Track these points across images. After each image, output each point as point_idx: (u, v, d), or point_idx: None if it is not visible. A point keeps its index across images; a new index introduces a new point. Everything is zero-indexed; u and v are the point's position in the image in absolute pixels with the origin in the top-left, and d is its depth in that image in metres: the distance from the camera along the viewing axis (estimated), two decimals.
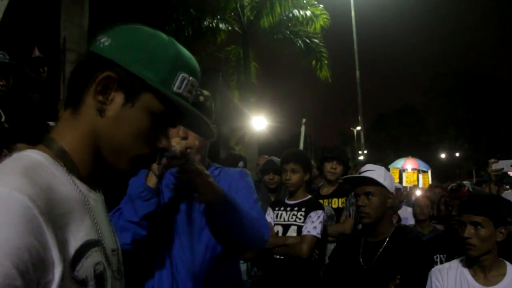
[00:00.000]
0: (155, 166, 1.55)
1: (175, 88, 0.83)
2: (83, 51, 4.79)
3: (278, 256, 2.76)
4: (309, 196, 2.96)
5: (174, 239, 1.67)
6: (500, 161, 3.25)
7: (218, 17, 12.14)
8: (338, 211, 3.33)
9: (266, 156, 4.52)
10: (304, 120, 7.97)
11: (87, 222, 0.78)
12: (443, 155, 36.73)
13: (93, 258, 0.76)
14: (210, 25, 12.01)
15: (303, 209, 2.83)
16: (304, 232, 2.73)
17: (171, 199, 1.69)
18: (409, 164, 12.43)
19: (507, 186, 5.74)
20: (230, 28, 12.53)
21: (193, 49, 12.77)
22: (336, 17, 14.15)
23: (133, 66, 0.80)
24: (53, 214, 0.69)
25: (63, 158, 0.79)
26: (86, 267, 0.74)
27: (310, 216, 2.77)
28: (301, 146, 7.20)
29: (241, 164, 4.75)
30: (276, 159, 3.57)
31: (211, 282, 1.65)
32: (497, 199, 2.24)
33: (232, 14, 12.55)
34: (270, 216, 2.90)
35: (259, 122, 15.65)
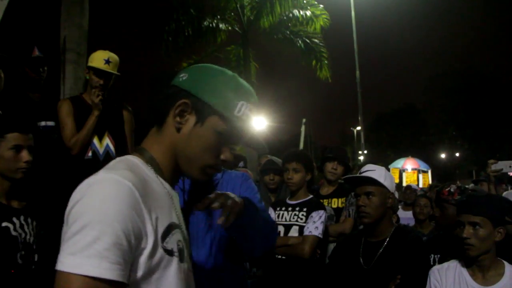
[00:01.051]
0: None
1: (235, 113, 1.07)
2: (83, 51, 4.80)
3: (279, 256, 2.77)
4: (311, 196, 2.96)
5: None
6: (499, 162, 3.25)
7: (218, 17, 12.14)
8: (338, 211, 3.34)
9: (268, 156, 4.52)
10: (304, 120, 7.99)
11: (171, 209, 1.03)
12: (443, 155, 36.73)
13: (176, 235, 1.00)
14: (210, 25, 12.02)
15: (305, 209, 2.83)
16: (306, 232, 2.73)
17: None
18: (409, 164, 12.44)
19: (507, 186, 5.75)
20: (230, 28, 12.53)
21: (193, 49, 12.78)
22: (336, 17, 14.15)
23: (203, 95, 1.05)
24: (148, 199, 0.93)
25: (152, 163, 1.05)
26: (172, 241, 0.98)
27: (311, 216, 2.77)
28: (301, 146, 7.21)
29: (241, 164, 4.74)
30: (276, 159, 3.57)
31: (216, 285, 1.66)
32: (496, 199, 2.24)
33: (232, 14, 12.55)
34: (271, 216, 2.90)
35: (259, 122, 15.65)
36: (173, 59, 12.81)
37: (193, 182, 1.78)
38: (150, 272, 0.92)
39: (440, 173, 25.00)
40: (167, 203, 1.01)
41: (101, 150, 2.97)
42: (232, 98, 1.07)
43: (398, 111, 40.81)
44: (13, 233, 1.95)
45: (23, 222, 2.01)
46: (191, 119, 1.06)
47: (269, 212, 2.92)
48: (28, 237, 2.00)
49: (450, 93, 34.00)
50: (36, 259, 2.03)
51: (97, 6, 6.07)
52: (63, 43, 4.80)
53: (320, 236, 2.72)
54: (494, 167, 3.30)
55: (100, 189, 0.89)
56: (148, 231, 0.91)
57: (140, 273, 0.90)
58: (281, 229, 2.83)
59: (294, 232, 2.79)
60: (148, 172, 1.02)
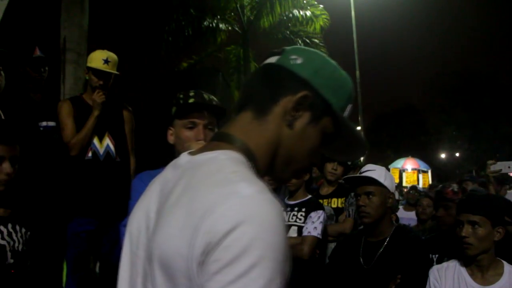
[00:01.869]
0: None
1: (345, 115, 0.92)
2: (83, 51, 4.80)
3: None
4: (309, 196, 2.96)
5: None
6: (498, 163, 3.26)
7: (218, 17, 12.16)
8: (338, 211, 3.34)
9: None
10: None
11: None
12: (443, 155, 36.71)
13: None
14: (210, 25, 12.03)
15: (303, 209, 2.83)
16: (305, 232, 2.73)
17: None
18: (409, 164, 12.46)
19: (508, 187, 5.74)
20: (230, 28, 12.55)
21: (193, 49, 12.79)
22: (336, 17, 14.18)
23: (324, 90, 0.88)
24: None
25: (252, 160, 0.83)
26: None
27: (310, 217, 2.77)
28: None
29: None
30: None
31: None
32: (495, 198, 2.24)
33: (232, 14, 12.57)
34: None
35: None
36: (173, 59, 12.83)
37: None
38: None
39: (440, 173, 24.96)
40: None
41: (101, 150, 2.98)
42: (348, 99, 0.93)
43: (398, 111, 40.76)
44: (1, 241, 1.94)
45: (11, 230, 2.00)
46: (306, 116, 0.87)
47: None
48: (17, 245, 2.00)
49: (450, 93, 33.97)
50: (27, 264, 2.02)
51: (97, 6, 6.08)
52: (63, 43, 4.80)
53: (319, 236, 2.72)
54: (493, 167, 3.31)
55: (260, 212, 0.67)
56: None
57: None
58: None
59: (293, 232, 2.79)
60: (250, 171, 0.80)
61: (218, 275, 0.63)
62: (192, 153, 0.84)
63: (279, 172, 0.91)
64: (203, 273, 0.65)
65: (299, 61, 0.88)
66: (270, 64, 0.91)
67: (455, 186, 2.69)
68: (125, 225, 1.73)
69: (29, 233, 2.07)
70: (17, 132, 2.11)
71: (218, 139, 0.86)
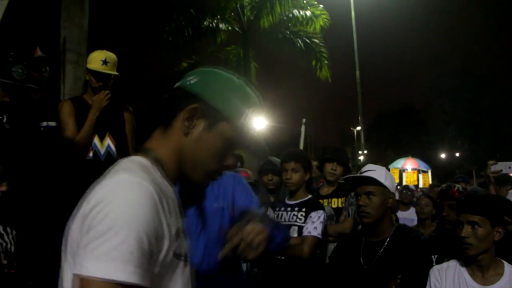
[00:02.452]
0: None
1: (242, 119, 1.08)
2: (83, 51, 4.80)
3: (279, 256, 2.77)
4: (310, 196, 2.96)
5: None
6: (499, 163, 3.26)
7: (218, 17, 12.15)
8: (338, 211, 3.34)
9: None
10: (304, 120, 7.96)
11: (178, 214, 1.01)
12: (443, 155, 36.70)
13: (183, 240, 1.00)
14: (210, 25, 12.02)
15: (304, 209, 2.83)
16: (305, 232, 2.73)
17: None
18: (409, 164, 12.43)
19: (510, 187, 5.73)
20: (230, 28, 12.53)
21: (193, 49, 12.78)
22: (336, 17, 14.16)
23: (214, 101, 1.06)
24: (163, 202, 0.92)
25: (159, 164, 1.03)
26: (181, 245, 0.97)
27: (310, 217, 2.77)
28: (301, 146, 7.20)
29: (238, 164, 4.74)
30: (275, 160, 3.57)
31: (214, 284, 1.66)
32: (494, 198, 2.25)
33: (232, 14, 12.56)
34: (271, 216, 2.90)
35: (259, 122, 15.64)
36: (173, 59, 12.82)
37: (183, 183, 1.76)
38: (161, 276, 0.91)
39: (440, 173, 24.96)
40: (174, 207, 1.01)
41: (102, 150, 2.98)
42: (241, 105, 1.08)
43: (398, 111, 40.78)
44: None
45: (2, 231, 2.01)
46: (200, 124, 1.05)
47: (269, 213, 2.92)
48: (9, 246, 2.00)
49: (450, 93, 33.98)
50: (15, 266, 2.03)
51: (97, 6, 6.07)
52: (63, 43, 4.80)
53: (319, 236, 2.72)
54: (494, 168, 3.31)
55: (123, 191, 0.87)
56: (165, 235, 0.91)
57: (156, 276, 0.89)
58: None
59: (293, 232, 2.79)
60: (155, 174, 0.99)
61: (84, 236, 0.84)
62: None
63: (191, 174, 1.08)
64: (82, 238, 0.85)
65: (193, 80, 1.09)
66: (175, 87, 1.12)
67: (460, 186, 2.71)
68: None
69: (18, 235, 2.08)
70: (10, 133, 2.12)
71: (137, 151, 1.07)
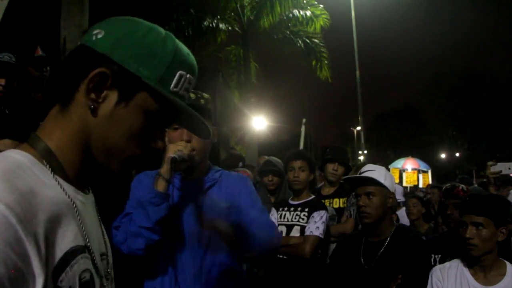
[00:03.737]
0: (164, 170, 1.59)
1: (171, 87, 0.80)
2: None
3: (281, 256, 2.77)
4: (313, 197, 2.97)
5: (178, 239, 1.69)
6: (498, 164, 3.26)
7: (218, 17, 12.15)
8: (339, 211, 3.33)
9: (265, 157, 4.50)
10: (304, 120, 7.96)
11: (73, 227, 0.73)
12: (443, 155, 36.72)
13: (79, 265, 0.72)
14: (210, 25, 12.02)
15: (306, 210, 2.84)
16: (307, 232, 2.73)
17: (177, 201, 1.71)
18: (409, 164, 12.44)
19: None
20: (230, 28, 12.53)
21: (193, 49, 12.77)
22: (336, 17, 14.17)
23: (129, 62, 0.76)
24: (34, 221, 0.65)
25: (48, 158, 0.74)
26: (70, 277, 0.70)
27: (312, 217, 2.78)
28: (301, 146, 7.20)
29: (240, 164, 4.73)
30: (275, 160, 3.56)
31: (215, 283, 1.66)
32: (498, 199, 2.24)
33: (232, 14, 12.56)
34: (274, 216, 2.90)
35: (259, 122, 15.64)
36: None
37: (184, 180, 1.76)
38: None
39: (440, 173, 24.95)
40: (67, 218, 0.72)
41: None
42: (168, 66, 0.79)
43: (398, 111, 40.83)
44: None
45: None
46: (112, 96, 0.76)
47: (272, 213, 2.93)
48: None
49: (450, 93, 34.01)
50: None
51: (97, 6, 6.07)
52: (63, 43, 4.81)
53: (321, 236, 2.72)
54: (493, 169, 3.31)
55: None
56: (35, 270, 0.64)
57: None
58: (283, 229, 2.84)
59: (295, 232, 2.80)
60: (39, 173, 0.71)
61: None
62: None
63: (105, 164, 0.81)
64: None
65: (100, 34, 0.77)
66: (76, 46, 0.80)
67: (464, 186, 2.73)
68: (115, 227, 1.73)
69: None
70: (25, 130, 2.12)
71: (26, 141, 0.77)
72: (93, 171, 0.82)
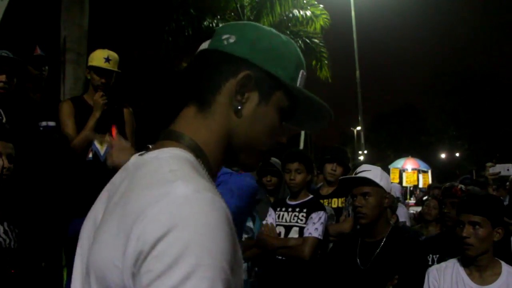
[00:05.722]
0: None
1: (298, 84, 0.85)
2: (83, 51, 4.80)
3: (279, 257, 2.77)
4: (311, 196, 2.96)
5: None
6: (497, 165, 3.27)
7: (218, 17, 12.14)
8: (338, 211, 3.34)
9: None
10: None
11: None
12: (443, 155, 36.72)
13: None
14: (210, 25, 12.01)
15: (305, 210, 2.83)
16: (306, 233, 2.73)
17: None
18: (409, 164, 12.45)
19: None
20: None
21: (193, 49, 12.77)
22: (336, 17, 14.15)
23: (267, 64, 0.80)
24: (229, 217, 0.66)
25: (202, 156, 0.77)
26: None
27: (311, 218, 2.77)
28: (301, 146, 7.21)
29: None
30: (274, 160, 3.56)
31: None
32: (495, 199, 2.25)
33: (232, 14, 12.54)
34: (271, 217, 2.90)
35: None
36: (173, 59, 12.82)
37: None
38: None
39: (440, 173, 24.95)
40: None
41: (102, 151, 2.97)
42: (296, 67, 0.85)
43: (398, 111, 40.81)
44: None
45: (6, 228, 2.01)
46: (253, 96, 0.81)
47: (269, 213, 2.93)
48: (12, 243, 2.01)
49: (450, 93, 33.99)
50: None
51: (97, 6, 6.08)
52: (63, 43, 4.81)
53: (320, 237, 2.72)
54: (492, 170, 3.32)
55: (194, 214, 0.60)
56: (239, 260, 0.67)
57: None
58: (281, 230, 2.84)
59: (294, 233, 2.79)
60: (202, 172, 0.74)
61: (146, 276, 0.56)
62: (141, 154, 0.78)
63: (244, 160, 0.85)
64: (136, 285, 0.58)
65: (232, 39, 0.81)
66: (204, 51, 0.84)
67: (462, 186, 2.74)
68: None
69: (20, 234, 2.08)
70: (12, 131, 2.12)
71: (164, 138, 0.79)
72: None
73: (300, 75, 0.86)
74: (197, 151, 0.76)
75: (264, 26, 0.87)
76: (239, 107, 0.80)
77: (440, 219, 2.94)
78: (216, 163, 0.80)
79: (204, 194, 0.62)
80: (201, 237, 0.58)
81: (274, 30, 0.87)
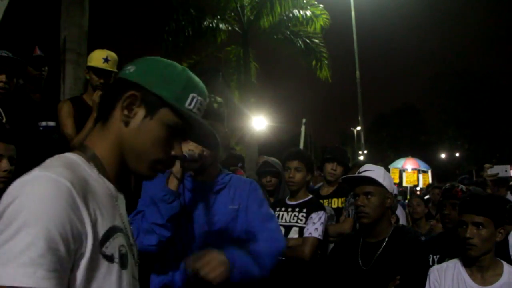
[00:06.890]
0: (176, 169, 1.64)
1: (186, 105, 1.03)
2: (83, 51, 4.79)
3: (279, 257, 2.76)
4: (310, 196, 2.96)
5: (187, 238, 1.73)
6: (495, 166, 3.26)
7: (218, 17, 12.14)
8: (338, 211, 3.33)
9: (265, 157, 4.50)
10: (304, 120, 7.97)
11: (114, 211, 0.97)
12: (443, 155, 36.72)
13: (118, 240, 0.94)
14: (210, 25, 12.01)
15: (304, 210, 2.83)
16: (306, 234, 2.72)
17: (188, 200, 1.75)
18: (409, 164, 12.41)
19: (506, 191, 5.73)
20: (230, 28, 12.52)
21: (193, 49, 12.77)
22: (336, 17, 14.14)
23: (153, 86, 1.00)
24: (87, 199, 0.87)
25: (95, 161, 0.98)
26: (113, 246, 0.91)
27: (311, 218, 2.77)
28: (301, 146, 7.20)
29: (239, 164, 4.73)
30: (273, 160, 3.55)
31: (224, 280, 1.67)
32: (498, 199, 2.24)
33: (232, 14, 12.55)
34: None
35: (259, 122, 15.64)
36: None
37: (195, 181, 1.80)
38: (88, 280, 0.85)
39: (440, 173, 24.93)
40: (109, 205, 0.95)
41: None
42: (183, 90, 1.03)
43: (398, 111, 40.84)
44: None
45: None
46: (140, 112, 1.00)
47: None
48: None
49: (450, 93, 34.00)
50: None
51: (97, 6, 6.07)
52: (63, 43, 4.79)
53: (320, 237, 2.72)
54: (490, 171, 3.31)
55: (33, 188, 0.81)
56: (88, 233, 0.84)
57: (78, 281, 0.83)
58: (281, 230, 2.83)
59: (294, 233, 2.79)
60: (90, 171, 0.95)
61: None
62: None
63: (135, 167, 1.02)
64: None
65: (132, 69, 1.03)
66: (115, 79, 1.09)
67: (463, 186, 2.73)
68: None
69: None
70: (14, 133, 2.11)
71: (76, 149, 1.02)
72: (126, 175, 1.05)
73: (189, 98, 1.03)
74: (93, 158, 0.98)
75: (165, 60, 1.07)
76: (127, 120, 0.99)
77: (440, 220, 2.92)
78: (113, 167, 1.01)
79: (50, 176, 0.83)
80: (33, 205, 0.79)
81: (174, 63, 1.07)
